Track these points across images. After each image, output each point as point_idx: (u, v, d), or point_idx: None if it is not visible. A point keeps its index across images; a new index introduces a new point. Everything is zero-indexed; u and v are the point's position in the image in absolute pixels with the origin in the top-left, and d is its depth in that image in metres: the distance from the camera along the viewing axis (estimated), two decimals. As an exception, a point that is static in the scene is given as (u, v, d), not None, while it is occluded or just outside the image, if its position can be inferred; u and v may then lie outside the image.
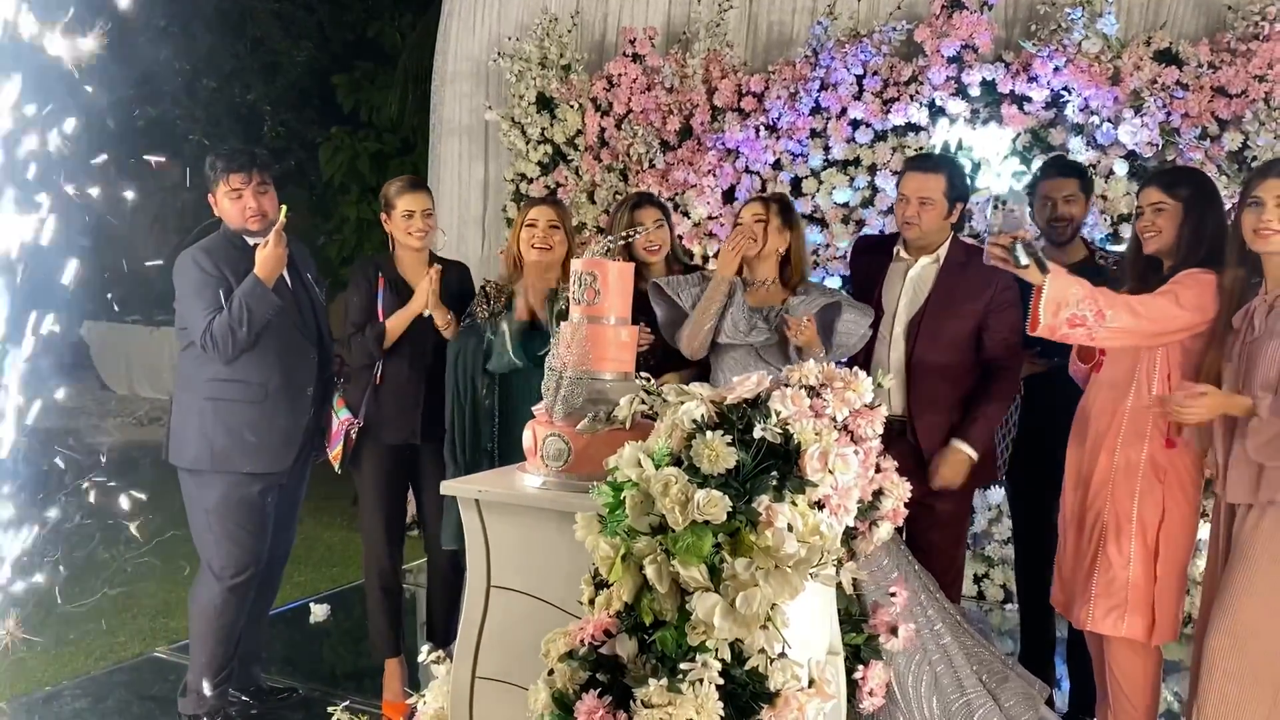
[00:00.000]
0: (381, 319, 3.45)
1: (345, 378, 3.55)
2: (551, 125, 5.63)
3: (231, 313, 3.19)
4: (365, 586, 3.66)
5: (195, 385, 3.30)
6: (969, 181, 4.77)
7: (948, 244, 3.33)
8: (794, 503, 1.86)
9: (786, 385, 2.06)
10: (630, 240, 3.42)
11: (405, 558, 3.77)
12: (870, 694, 2.41)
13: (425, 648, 2.80)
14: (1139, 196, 2.98)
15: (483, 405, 3.29)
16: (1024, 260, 2.67)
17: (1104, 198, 4.54)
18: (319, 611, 4.69)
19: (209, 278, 3.24)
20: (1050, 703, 3.15)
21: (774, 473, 1.89)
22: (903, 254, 3.38)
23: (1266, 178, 2.64)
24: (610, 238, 2.86)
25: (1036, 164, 4.71)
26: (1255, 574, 2.60)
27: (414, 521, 4.11)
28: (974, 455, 3.21)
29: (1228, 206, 3.61)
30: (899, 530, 2.77)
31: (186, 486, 3.36)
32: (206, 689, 3.36)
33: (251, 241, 3.33)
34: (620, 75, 5.46)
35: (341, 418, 3.47)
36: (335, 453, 3.48)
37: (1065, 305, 2.70)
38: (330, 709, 2.82)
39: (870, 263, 3.46)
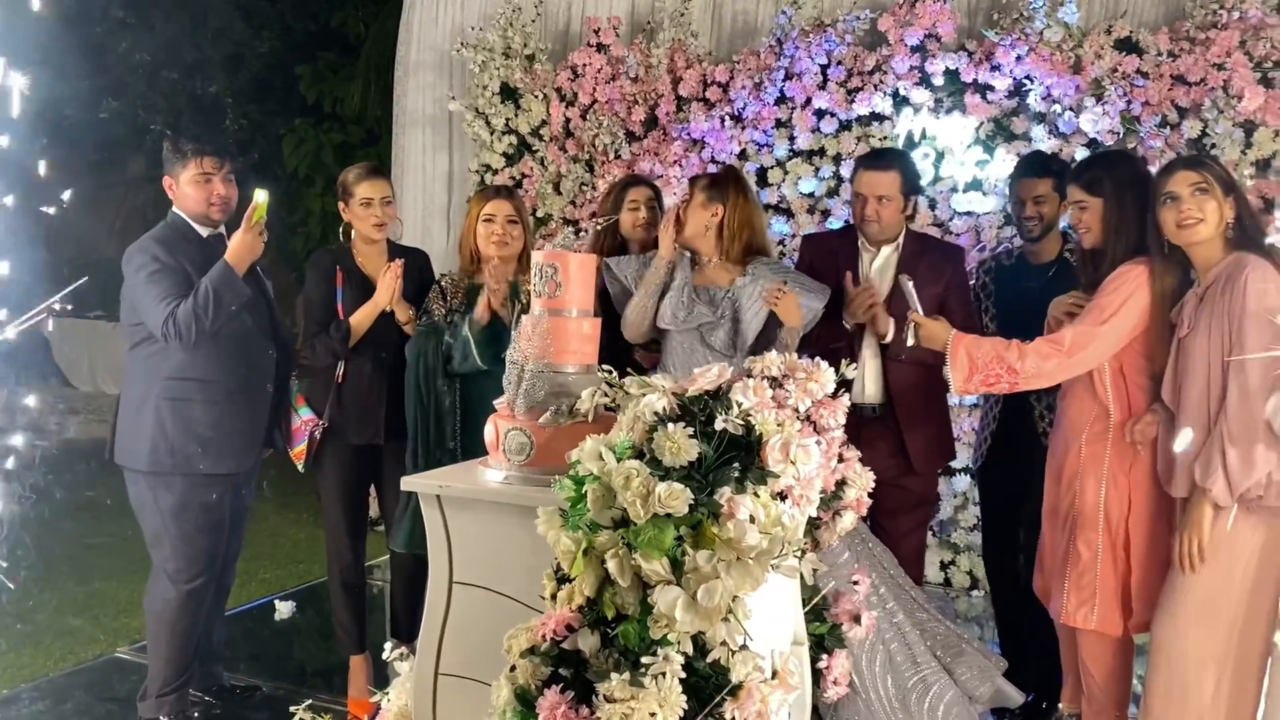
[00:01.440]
0: (341, 315, 3.40)
1: (305, 374, 3.49)
2: (516, 116, 5.59)
3: (198, 300, 3.08)
4: (328, 583, 3.63)
5: (150, 384, 3.21)
6: (934, 170, 4.87)
7: (903, 234, 3.40)
8: (756, 494, 1.86)
9: (749, 376, 2.05)
10: (610, 223, 3.44)
11: (371, 554, 3.73)
12: (834, 683, 2.41)
13: (389, 644, 2.78)
14: (1068, 190, 3.00)
15: (444, 405, 3.25)
16: (910, 341, 3.00)
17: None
18: (284, 608, 4.65)
19: (166, 267, 3.14)
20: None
21: (736, 464, 1.89)
22: (867, 246, 3.42)
23: (1175, 171, 2.68)
24: (596, 220, 2.87)
25: (999, 152, 4.75)
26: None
27: (378, 519, 4.07)
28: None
29: None
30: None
31: (138, 488, 3.27)
32: (165, 693, 3.31)
33: (205, 232, 3.26)
34: (585, 65, 5.44)
35: (304, 416, 3.42)
36: (298, 451, 3.44)
37: (976, 370, 2.85)
38: (292, 708, 2.79)
39: (830, 255, 3.45)
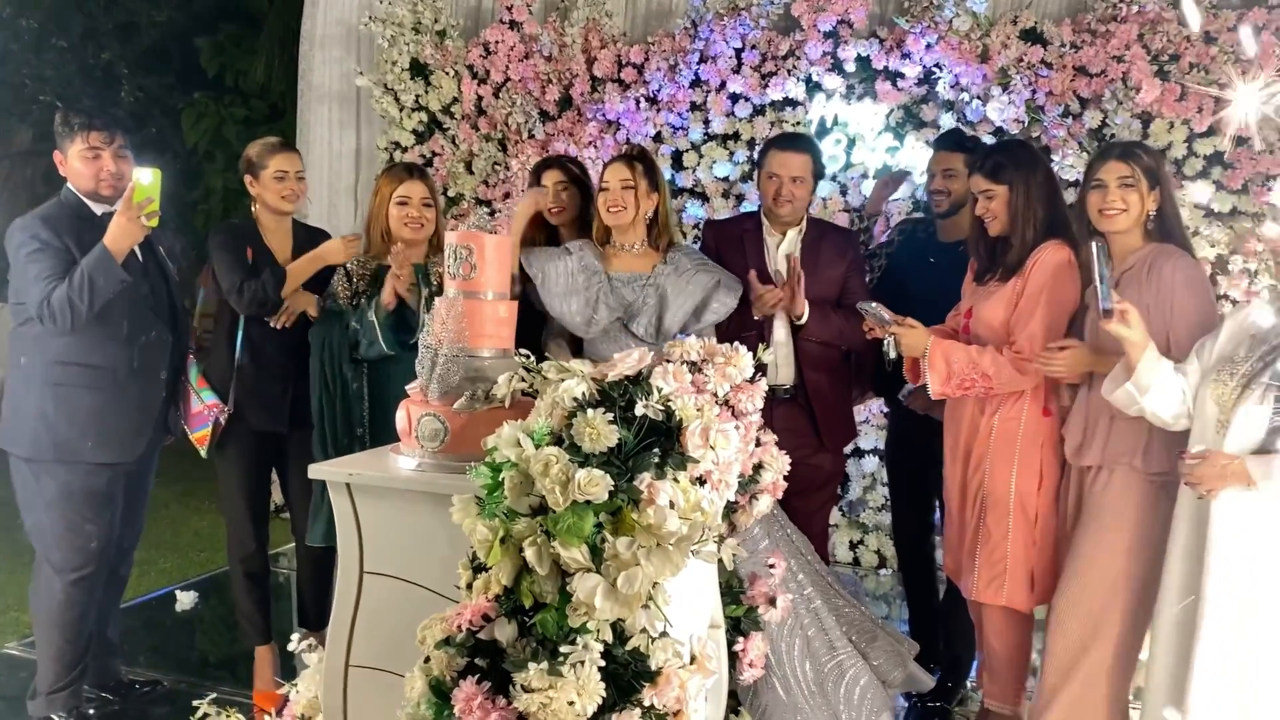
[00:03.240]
0: None
1: (203, 356, 3.36)
2: (426, 92, 5.47)
3: (73, 284, 2.92)
4: (230, 572, 3.52)
5: (34, 367, 3.05)
6: (846, 156, 4.92)
7: (805, 219, 3.44)
8: (676, 479, 1.84)
9: (668, 361, 2.04)
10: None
11: (275, 542, 3.62)
12: (750, 665, 2.43)
13: (296, 635, 2.70)
14: (970, 182, 3.06)
15: (351, 391, 3.16)
16: (892, 354, 3.07)
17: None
18: (186, 599, 4.51)
19: (48, 246, 2.97)
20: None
21: (656, 450, 1.87)
22: (772, 230, 3.43)
23: (1107, 160, 2.75)
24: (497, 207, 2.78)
25: (909, 140, 4.83)
26: (1099, 537, 2.73)
27: (282, 506, 3.96)
28: (803, 311, 3.26)
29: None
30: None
31: (20, 475, 3.12)
32: (57, 690, 3.17)
33: (99, 210, 3.11)
34: (497, 43, 5.34)
35: (206, 400, 3.29)
36: (200, 435, 3.31)
37: (953, 374, 2.88)
38: (196, 702, 2.70)
39: (735, 241, 3.45)
